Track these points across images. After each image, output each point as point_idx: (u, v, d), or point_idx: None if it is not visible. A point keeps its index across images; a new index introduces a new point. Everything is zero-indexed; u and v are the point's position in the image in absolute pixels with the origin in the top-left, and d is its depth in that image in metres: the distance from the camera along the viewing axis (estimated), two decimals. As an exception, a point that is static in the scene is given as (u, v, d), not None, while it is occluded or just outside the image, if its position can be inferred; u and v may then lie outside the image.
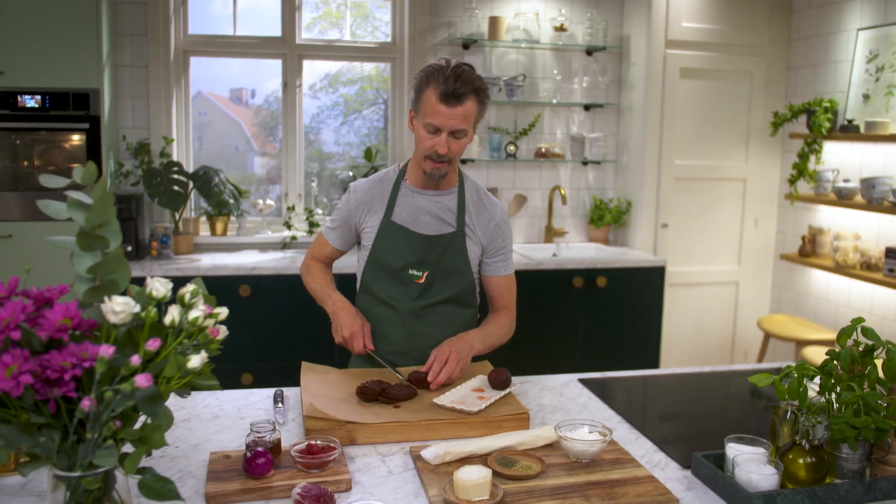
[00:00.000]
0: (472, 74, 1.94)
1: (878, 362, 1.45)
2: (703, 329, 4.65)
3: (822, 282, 4.32)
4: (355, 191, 2.16)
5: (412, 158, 2.14)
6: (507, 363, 3.35)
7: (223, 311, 1.15)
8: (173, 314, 1.09)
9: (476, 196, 2.16)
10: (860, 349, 1.47)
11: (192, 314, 1.10)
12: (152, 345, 1.05)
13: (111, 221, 1.10)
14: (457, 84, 1.90)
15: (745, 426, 1.78)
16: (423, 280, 2.09)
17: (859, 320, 1.48)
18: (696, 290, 4.60)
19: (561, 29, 4.39)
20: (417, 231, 2.08)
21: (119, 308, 1.03)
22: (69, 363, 0.98)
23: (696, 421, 1.91)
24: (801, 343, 3.91)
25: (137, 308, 1.05)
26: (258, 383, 3.64)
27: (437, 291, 2.10)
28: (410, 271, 2.08)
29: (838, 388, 1.45)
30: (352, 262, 2.54)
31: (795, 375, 1.46)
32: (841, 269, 3.94)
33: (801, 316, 4.44)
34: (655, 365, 4.16)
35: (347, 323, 2.00)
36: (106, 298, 1.05)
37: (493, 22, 4.26)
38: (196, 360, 1.06)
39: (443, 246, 2.09)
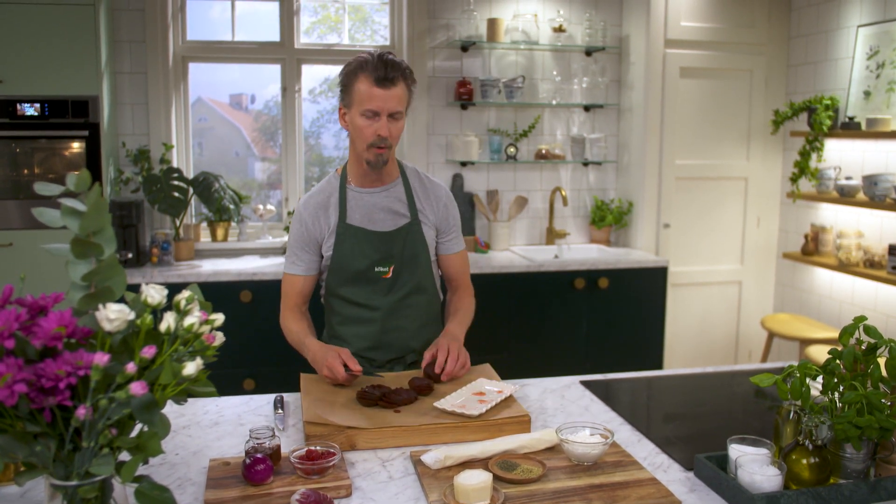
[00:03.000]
0: (398, 60, 2.00)
1: (881, 360, 1.44)
2: (706, 329, 4.64)
3: (826, 280, 4.30)
4: (305, 206, 2.14)
5: (349, 161, 2.15)
6: (509, 365, 3.35)
7: (219, 318, 1.15)
8: (169, 321, 1.09)
9: (419, 181, 2.21)
10: (863, 348, 1.45)
11: (188, 321, 1.09)
12: (148, 352, 1.04)
13: (105, 228, 1.10)
14: (387, 69, 1.96)
15: (749, 427, 1.77)
16: (389, 275, 2.11)
17: (861, 319, 1.47)
18: (699, 290, 4.59)
19: (560, 30, 4.38)
20: (374, 229, 2.10)
21: (114, 315, 1.02)
22: (64, 371, 0.98)
23: (699, 422, 1.90)
24: (805, 342, 3.90)
25: (132, 315, 1.05)
26: (260, 388, 3.63)
27: (404, 282, 2.13)
28: (377, 269, 2.10)
29: (841, 388, 1.44)
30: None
31: (798, 375, 1.45)
32: (844, 267, 3.93)
33: (805, 315, 4.42)
34: (659, 366, 4.15)
35: (321, 362, 1.93)
36: (101, 306, 1.04)
37: (492, 24, 4.25)
38: (191, 367, 1.05)
39: (402, 238, 2.12)
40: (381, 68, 1.95)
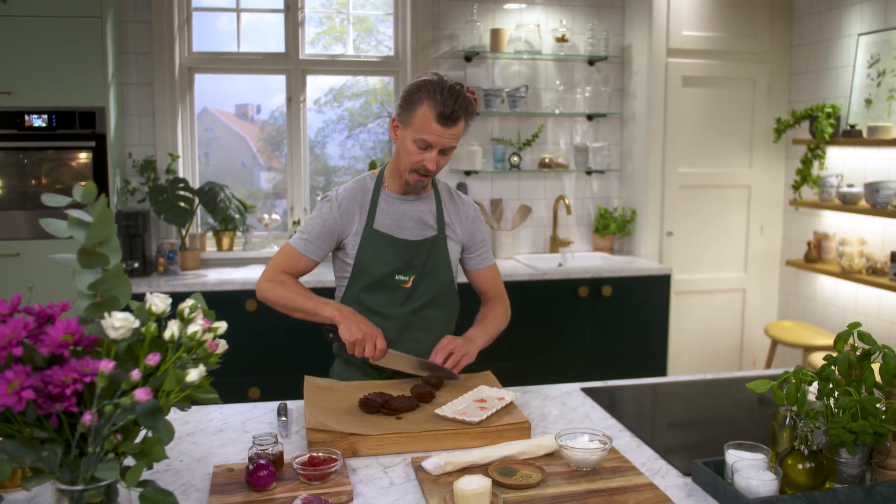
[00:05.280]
0: (465, 95, 1.99)
1: (875, 366, 1.45)
2: (710, 337, 4.64)
3: (829, 287, 4.31)
4: (338, 200, 2.12)
5: (389, 166, 2.16)
6: (512, 374, 3.37)
7: (222, 326, 1.17)
8: (172, 329, 1.11)
9: (449, 196, 2.24)
10: (857, 354, 1.47)
11: (191, 329, 1.11)
12: (152, 359, 1.06)
13: (111, 239, 1.13)
14: (455, 105, 1.95)
15: (751, 434, 1.78)
16: (409, 284, 2.13)
17: (856, 325, 1.49)
18: (703, 298, 4.60)
19: (562, 39, 4.41)
20: (401, 237, 2.12)
21: (119, 324, 1.05)
22: (70, 378, 1.00)
23: (699, 429, 1.91)
24: (809, 349, 3.90)
25: (137, 323, 1.07)
26: (266, 397, 3.66)
27: (422, 294, 2.14)
28: (397, 276, 2.11)
29: (836, 393, 1.45)
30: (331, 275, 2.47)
31: (793, 381, 1.46)
32: (847, 274, 3.93)
33: (809, 322, 4.42)
34: (663, 374, 4.15)
35: (366, 325, 1.95)
36: (106, 314, 1.07)
37: (495, 34, 4.29)
38: (194, 374, 1.08)
39: (427, 249, 2.14)
40: (450, 103, 1.93)
